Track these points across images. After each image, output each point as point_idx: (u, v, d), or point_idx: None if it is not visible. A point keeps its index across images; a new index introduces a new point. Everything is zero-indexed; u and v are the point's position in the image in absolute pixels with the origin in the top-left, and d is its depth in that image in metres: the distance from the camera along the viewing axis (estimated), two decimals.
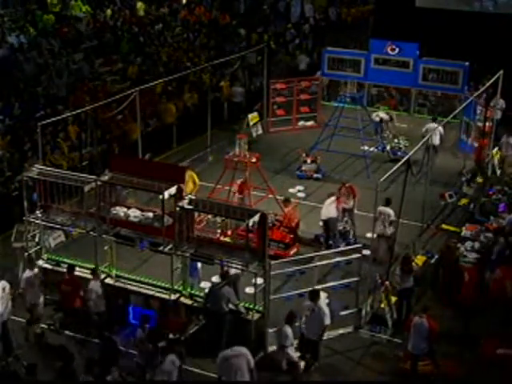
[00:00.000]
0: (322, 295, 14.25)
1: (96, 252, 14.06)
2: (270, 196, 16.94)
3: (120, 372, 11.51)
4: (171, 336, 12.18)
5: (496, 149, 20.48)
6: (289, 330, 12.25)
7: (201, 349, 12.93)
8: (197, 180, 17.11)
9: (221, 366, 11.32)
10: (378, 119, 22.09)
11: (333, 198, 16.47)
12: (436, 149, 19.75)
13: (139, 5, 30.61)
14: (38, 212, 14.43)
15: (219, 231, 14.92)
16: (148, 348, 11.98)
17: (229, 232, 14.62)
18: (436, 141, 19.70)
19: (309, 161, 20.38)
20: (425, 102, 25.29)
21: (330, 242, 16.34)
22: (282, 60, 28.80)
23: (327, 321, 12.49)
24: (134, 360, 12.10)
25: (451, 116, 19.51)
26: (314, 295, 12.59)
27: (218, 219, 14.18)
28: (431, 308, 14.13)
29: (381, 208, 15.21)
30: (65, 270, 13.94)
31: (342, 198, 16.57)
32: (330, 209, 16.33)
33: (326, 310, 12.52)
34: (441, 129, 20.08)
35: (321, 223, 16.61)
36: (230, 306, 13.00)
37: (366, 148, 21.12)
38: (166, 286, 13.76)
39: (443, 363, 12.53)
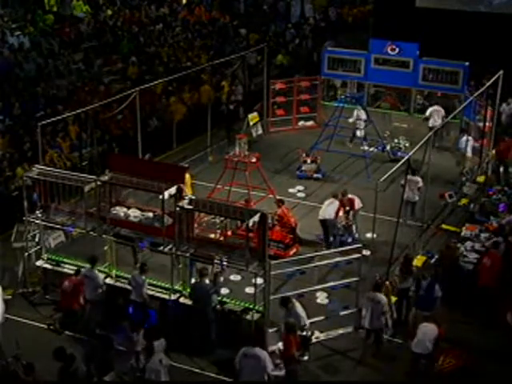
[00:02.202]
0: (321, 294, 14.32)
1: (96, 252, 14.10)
2: (270, 196, 16.95)
3: (117, 372, 11.52)
4: (298, 355, 12.16)
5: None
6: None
7: (195, 347, 12.99)
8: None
9: (239, 361, 11.44)
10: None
11: (332, 200, 16.42)
12: (436, 131, 20.34)
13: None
14: (38, 212, 14.44)
15: (219, 232, 14.88)
16: (134, 347, 11.96)
17: (229, 232, 14.63)
18: (435, 122, 21.47)
19: (309, 161, 20.38)
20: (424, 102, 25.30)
21: (331, 239, 16.32)
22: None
23: (303, 322, 12.46)
24: (130, 363, 12.09)
25: (451, 116, 19.54)
26: (285, 302, 12.52)
27: (217, 220, 14.18)
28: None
29: (409, 177, 16.06)
30: (65, 269, 13.95)
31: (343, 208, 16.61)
32: (328, 210, 16.28)
33: (302, 313, 12.47)
34: (442, 111, 21.71)
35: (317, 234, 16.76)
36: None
37: (366, 148, 21.13)
38: (166, 286, 13.78)
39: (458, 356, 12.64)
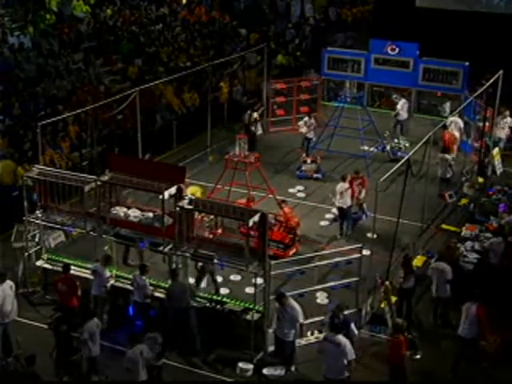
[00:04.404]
0: (322, 293, 14.29)
1: (96, 252, 14.10)
2: (270, 196, 16.94)
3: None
4: (409, 354, 12.31)
5: (496, 149, 20.47)
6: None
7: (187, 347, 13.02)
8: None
9: (322, 343, 11.84)
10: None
11: (344, 185, 16.81)
12: (401, 123, 22.64)
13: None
14: (37, 212, 14.44)
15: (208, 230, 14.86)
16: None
17: (219, 231, 14.66)
18: (404, 115, 22.79)
19: (309, 161, 20.39)
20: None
21: (345, 226, 16.97)
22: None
23: (301, 318, 12.46)
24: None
25: (451, 116, 19.55)
26: (280, 298, 12.51)
27: (206, 218, 14.22)
28: (430, 308, 14.23)
29: (440, 155, 18.73)
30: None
31: (355, 188, 17.18)
32: (344, 198, 16.76)
33: (298, 308, 12.47)
34: (406, 104, 22.95)
35: (334, 212, 17.57)
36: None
37: (366, 148, 21.13)
38: (166, 286, 13.77)
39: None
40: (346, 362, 11.46)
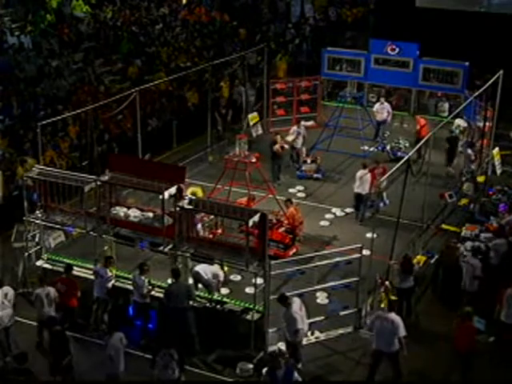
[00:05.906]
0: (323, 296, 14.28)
1: (96, 252, 14.10)
2: (270, 196, 16.96)
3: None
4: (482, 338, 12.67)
5: (496, 149, 20.47)
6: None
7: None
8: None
9: (373, 322, 12.18)
10: None
11: (364, 172, 17.34)
12: (379, 124, 22.54)
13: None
14: (37, 212, 14.45)
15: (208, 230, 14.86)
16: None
17: (219, 231, 14.66)
18: (383, 117, 22.46)
19: (309, 161, 20.39)
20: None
21: (361, 211, 17.56)
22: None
23: (294, 326, 12.30)
24: None
25: (451, 116, 19.55)
26: (281, 299, 12.47)
27: (206, 218, 14.23)
28: (430, 308, 14.23)
29: (468, 150, 19.48)
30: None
31: (377, 176, 17.43)
32: (363, 185, 17.34)
33: (295, 315, 12.33)
34: (380, 106, 22.52)
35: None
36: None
37: (366, 148, 21.13)
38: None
39: None
40: (397, 337, 11.85)
